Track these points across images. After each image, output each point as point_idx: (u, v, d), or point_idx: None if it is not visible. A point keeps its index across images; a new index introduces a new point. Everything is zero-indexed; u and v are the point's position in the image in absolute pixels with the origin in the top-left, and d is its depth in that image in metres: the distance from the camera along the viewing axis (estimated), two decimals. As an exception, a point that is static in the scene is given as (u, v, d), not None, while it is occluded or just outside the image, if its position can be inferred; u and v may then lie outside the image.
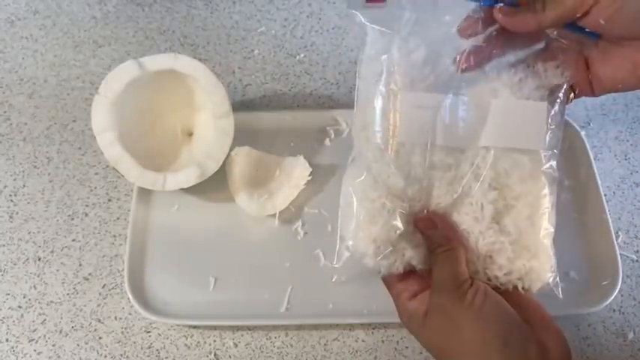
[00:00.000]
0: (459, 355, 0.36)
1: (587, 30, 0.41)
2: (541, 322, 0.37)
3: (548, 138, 0.40)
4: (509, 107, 0.40)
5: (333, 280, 0.49)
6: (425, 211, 0.40)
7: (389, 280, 0.40)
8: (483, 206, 0.39)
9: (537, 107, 0.40)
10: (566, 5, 0.39)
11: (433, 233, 0.39)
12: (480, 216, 0.39)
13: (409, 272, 0.40)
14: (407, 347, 0.49)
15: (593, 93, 0.44)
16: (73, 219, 0.56)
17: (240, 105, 0.62)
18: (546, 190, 0.40)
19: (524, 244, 0.39)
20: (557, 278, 0.39)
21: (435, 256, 0.38)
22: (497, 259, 0.39)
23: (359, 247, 0.39)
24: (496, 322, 0.35)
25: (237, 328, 0.50)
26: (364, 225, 0.39)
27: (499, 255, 0.39)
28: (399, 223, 0.39)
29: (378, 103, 0.41)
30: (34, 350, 0.50)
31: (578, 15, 0.39)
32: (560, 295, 0.39)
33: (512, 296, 0.38)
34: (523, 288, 0.39)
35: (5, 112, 0.62)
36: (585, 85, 0.43)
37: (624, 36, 0.40)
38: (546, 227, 0.39)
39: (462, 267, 0.37)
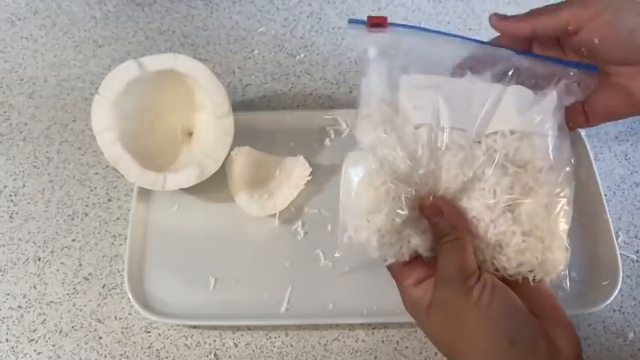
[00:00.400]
0: (464, 352, 0.35)
1: (586, 64, 0.41)
2: (552, 313, 0.36)
3: (558, 126, 0.39)
4: (522, 93, 0.40)
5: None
6: (431, 197, 0.38)
7: (393, 267, 0.39)
8: (496, 193, 0.37)
9: (549, 95, 0.40)
10: (561, 16, 0.40)
11: (439, 221, 0.37)
12: (492, 203, 0.37)
13: (414, 257, 0.38)
14: (407, 347, 0.49)
15: (588, 123, 0.44)
16: (73, 219, 0.56)
17: (240, 105, 0.62)
18: (564, 182, 0.38)
19: (538, 235, 0.37)
20: (567, 271, 0.38)
21: (440, 246, 0.37)
22: (507, 250, 0.37)
23: (361, 237, 0.38)
24: (503, 321, 0.34)
25: (237, 328, 0.50)
26: (367, 214, 0.37)
27: (510, 245, 0.37)
28: (404, 210, 0.37)
29: (381, 91, 0.41)
30: (34, 350, 0.50)
31: (570, 28, 0.39)
32: (568, 288, 0.38)
33: (522, 287, 0.37)
34: (534, 280, 0.37)
35: (5, 112, 0.62)
36: (580, 116, 0.44)
37: (617, 59, 0.40)
38: (562, 219, 0.38)
39: (468, 258, 0.36)
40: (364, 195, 0.38)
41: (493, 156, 0.38)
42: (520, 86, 0.40)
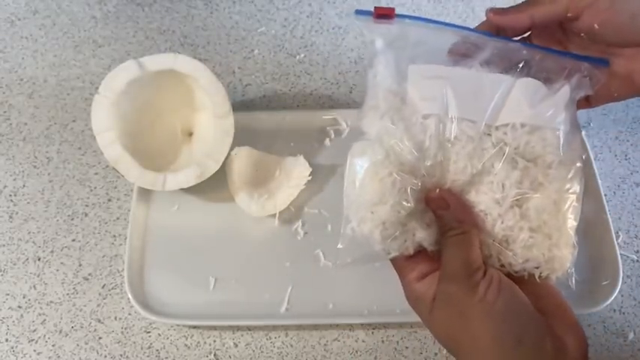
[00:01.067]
0: (468, 349, 0.34)
1: (596, 58, 0.40)
2: (558, 310, 0.35)
3: (569, 120, 0.39)
4: (533, 85, 0.39)
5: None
6: (437, 190, 0.37)
7: (396, 260, 0.38)
8: (505, 187, 0.37)
9: (562, 89, 0.39)
10: (560, 3, 0.39)
11: (445, 214, 0.36)
12: (500, 197, 0.37)
13: (418, 251, 0.37)
14: (407, 347, 0.49)
15: (589, 105, 0.44)
16: (73, 219, 0.56)
17: (240, 105, 0.62)
18: (574, 178, 0.37)
19: (546, 231, 0.37)
20: (573, 269, 0.37)
21: (445, 240, 0.36)
22: (513, 245, 0.37)
23: (365, 229, 0.37)
24: (510, 319, 0.33)
25: (237, 328, 0.50)
26: (372, 206, 0.36)
27: (517, 240, 0.36)
28: (409, 202, 0.36)
29: (388, 82, 0.40)
30: (34, 350, 0.50)
31: (569, 15, 0.39)
32: (574, 287, 0.38)
33: (527, 284, 0.36)
34: (540, 277, 0.36)
35: (5, 112, 0.62)
36: (581, 99, 0.42)
37: (618, 42, 0.40)
38: (571, 215, 0.37)
39: (474, 253, 0.35)
40: (369, 186, 0.37)
41: (503, 149, 0.37)
42: (531, 79, 0.39)
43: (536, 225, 0.37)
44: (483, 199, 0.37)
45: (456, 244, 0.35)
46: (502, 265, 0.37)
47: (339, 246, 0.39)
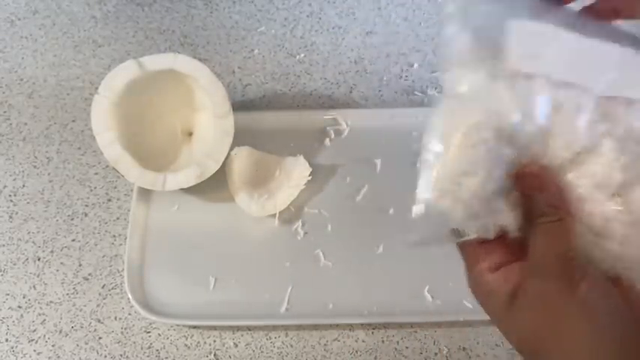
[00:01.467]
0: (559, 357, 0.29)
1: None
2: None
3: None
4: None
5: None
6: (533, 166, 0.31)
7: (468, 245, 0.32)
8: (612, 170, 0.31)
9: None
10: None
11: (538, 196, 0.30)
12: (603, 182, 0.31)
13: (496, 237, 0.32)
14: (407, 347, 0.49)
15: None
16: (72, 219, 0.56)
17: (240, 105, 0.62)
18: None
19: None
20: None
21: (536, 227, 0.30)
22: (609, 239, 0.31)
23: (445, 203, 0.31)
24: (616, 327, 0.28)
25: (237, 328, 0.50)
26: (458, 177, 0.31)
27: (614, 235, 0.31)
28: (504, 176, 0.31)
29: (468, 41, 0.33)
30: (34, 350, 0.50)
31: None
32: None
33: (618, 287, 0.31)
34: (629, 280, 0.31)
35: (5, 112, 0.62)
36: None
37: None
38: None
39: (573, 246, 0.30)
40: (458, 153, 0.31)
41: (615, 126, 0.32)
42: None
43: (637, 219, 0.31)
44: (583, 183, 0.31)
45: (551, 233, 0.30)
46: (589, 262, 0.32)
47: (414, 215, 0.32)
